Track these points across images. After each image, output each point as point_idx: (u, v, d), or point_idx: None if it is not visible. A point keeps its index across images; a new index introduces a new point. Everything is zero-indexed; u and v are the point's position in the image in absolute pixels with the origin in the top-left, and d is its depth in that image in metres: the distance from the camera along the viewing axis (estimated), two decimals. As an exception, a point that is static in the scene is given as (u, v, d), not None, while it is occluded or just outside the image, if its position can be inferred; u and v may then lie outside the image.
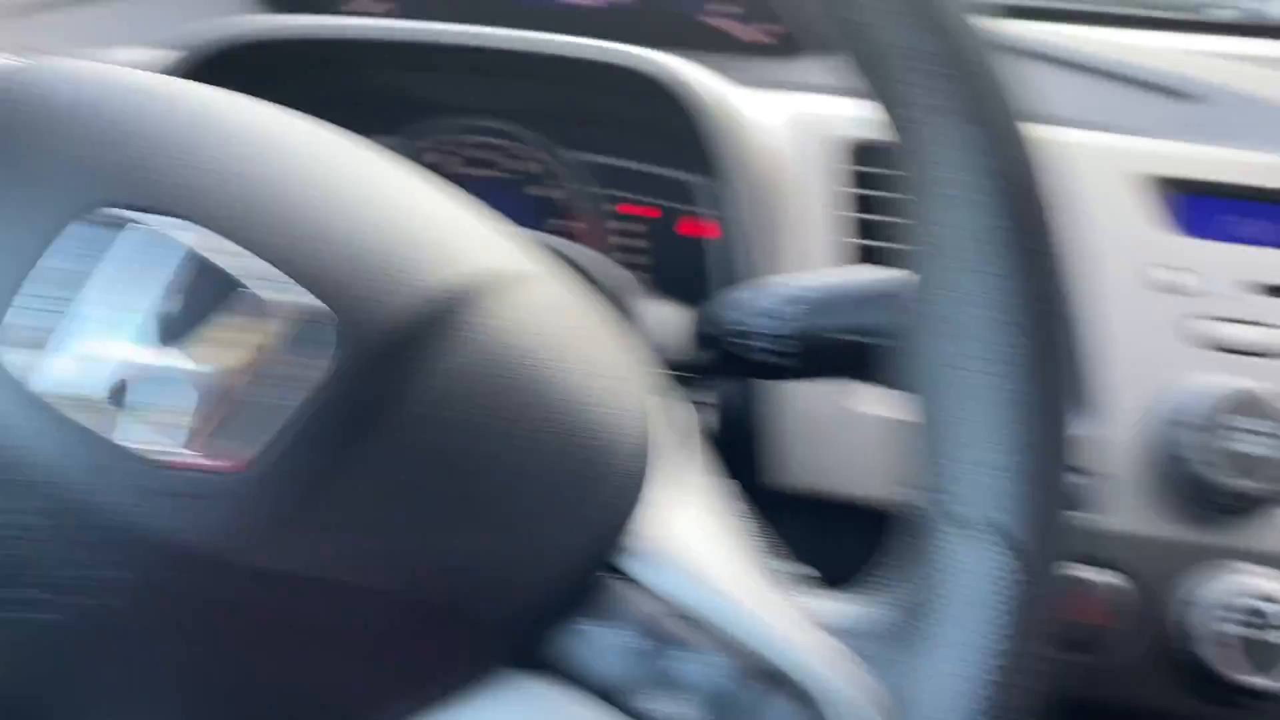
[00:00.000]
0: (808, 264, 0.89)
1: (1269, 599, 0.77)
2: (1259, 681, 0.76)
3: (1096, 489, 0.82)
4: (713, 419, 0.84)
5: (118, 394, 0.36)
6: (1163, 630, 0.79)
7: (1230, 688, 0.76)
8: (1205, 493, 0.79)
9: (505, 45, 0.99)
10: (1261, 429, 0.78)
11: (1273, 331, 0.86)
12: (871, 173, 0.96)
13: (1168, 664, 0.79)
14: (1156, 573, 0.80)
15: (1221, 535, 0.80)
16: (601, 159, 1.08)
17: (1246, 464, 0.77)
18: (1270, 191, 0.96)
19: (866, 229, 0.94)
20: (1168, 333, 0.87)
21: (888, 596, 0.43)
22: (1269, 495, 0.77)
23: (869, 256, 0.93)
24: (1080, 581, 0.79)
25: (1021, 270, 0.40)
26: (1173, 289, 0.89)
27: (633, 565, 0.42)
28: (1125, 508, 0.81)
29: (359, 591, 0.37)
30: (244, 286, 0.37)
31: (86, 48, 1.16)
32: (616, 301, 0.68)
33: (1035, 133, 0.42)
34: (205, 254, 0.37)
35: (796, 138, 0.97)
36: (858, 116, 1.01)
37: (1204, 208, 0.97)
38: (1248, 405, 0.78)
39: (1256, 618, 0.77)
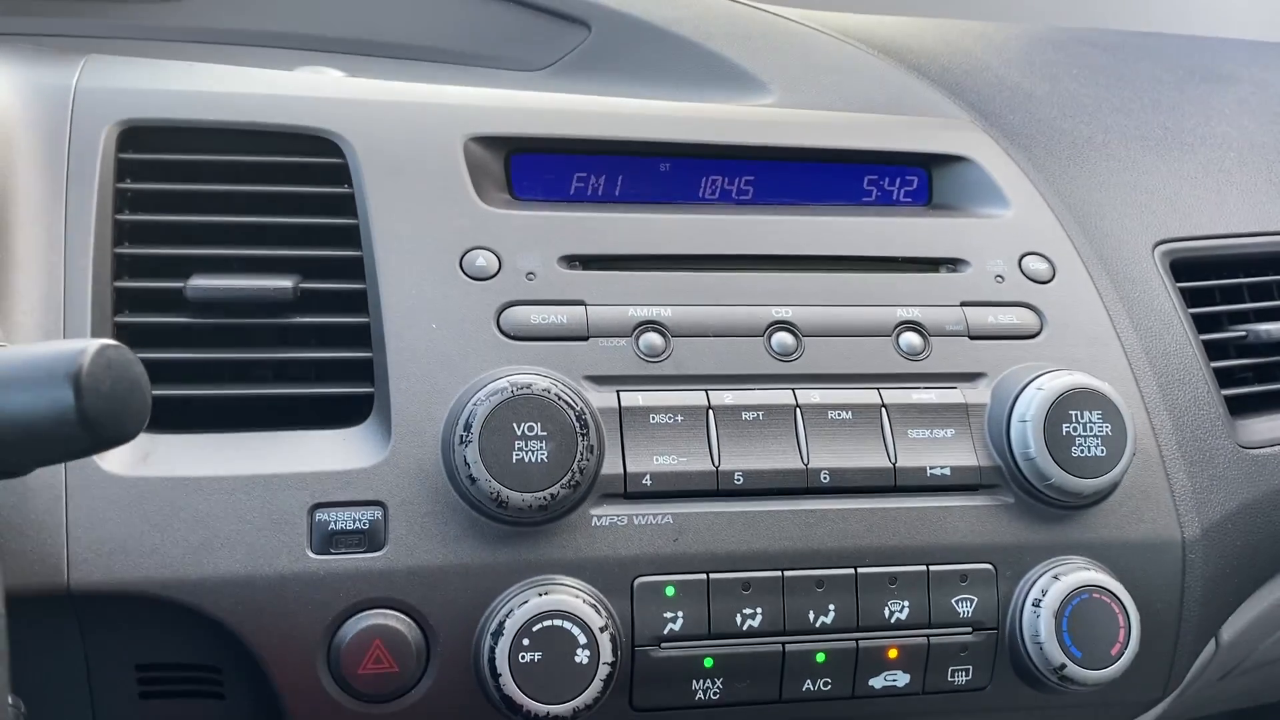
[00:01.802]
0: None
1: (577, 618, 0.71)
2: (562, 709, 0.70)
3: (382, 523, 0.72)
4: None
5: None
6: (463, 663, 0.72)
7: (539, 718, 0.70)
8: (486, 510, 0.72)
9: None
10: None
11: (574, 311, 0.79)
12: (152, 161, 0.81)
13: (477, 697, 0.72)
14: (451, 607, 0.72)
15: (539, 551, 0.73)
16: None
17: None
18: (593, 142, 0.89)
19: (145, 235, 0.79)
20: (479, 324, 0.78)
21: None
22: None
23: (150, 269, 0.79)
24: (365, 629, 0.70)
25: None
26: (486, 274, 0.80)
27: None
28: (413, 539, 0.72)
29: None
30: None
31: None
32: None
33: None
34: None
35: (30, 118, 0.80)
36: (134, 87, 0.85)
37: (532, 166, 0.89)
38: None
39: (564, 640, 0.71)
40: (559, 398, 0.72)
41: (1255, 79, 1.25)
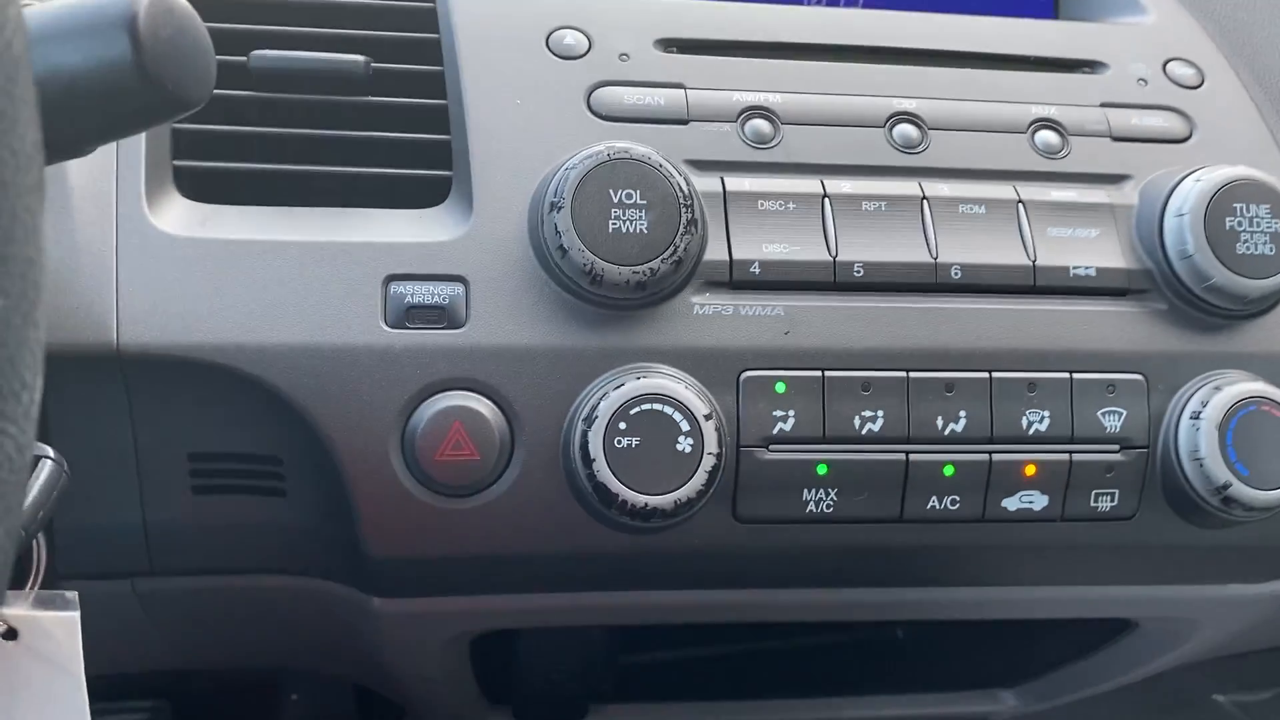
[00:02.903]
0: None
1: (679, 403, 0.63)
2: (662, 500, 0.62)
3: (463, 299, 0.65)
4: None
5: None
6: (550, 454, 0.64)
7: (636, 510, 0.62)
8: (576, 289, 0.64)
9: None
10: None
11: (672, 94, 0.71)
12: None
13: (565, 493, 0.65)
14: (538, 392, 0.64)
15: (635, 337, 0.66)
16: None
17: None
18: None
19: (210, 11, 0.73)
20: (568, 103, 0.71)
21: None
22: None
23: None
24: (443, 410, 0.63)
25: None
26: (574, 53, 0.72)
27: None
28: (497, 319, 0.65)
29: None
30: None
31: None
32: None
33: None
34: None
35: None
36: None
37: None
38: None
39: (665, 426, 0.63)
40: (660, 166, 0.64)
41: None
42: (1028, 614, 0.79)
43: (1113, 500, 0.69)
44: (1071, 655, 0.92)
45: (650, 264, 0.63)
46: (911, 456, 0.67)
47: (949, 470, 0.67)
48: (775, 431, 0.66)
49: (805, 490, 0.66)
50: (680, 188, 0.64)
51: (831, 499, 0.67)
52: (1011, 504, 0.68)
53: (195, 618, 0.76)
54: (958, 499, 0.68)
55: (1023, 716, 1.01)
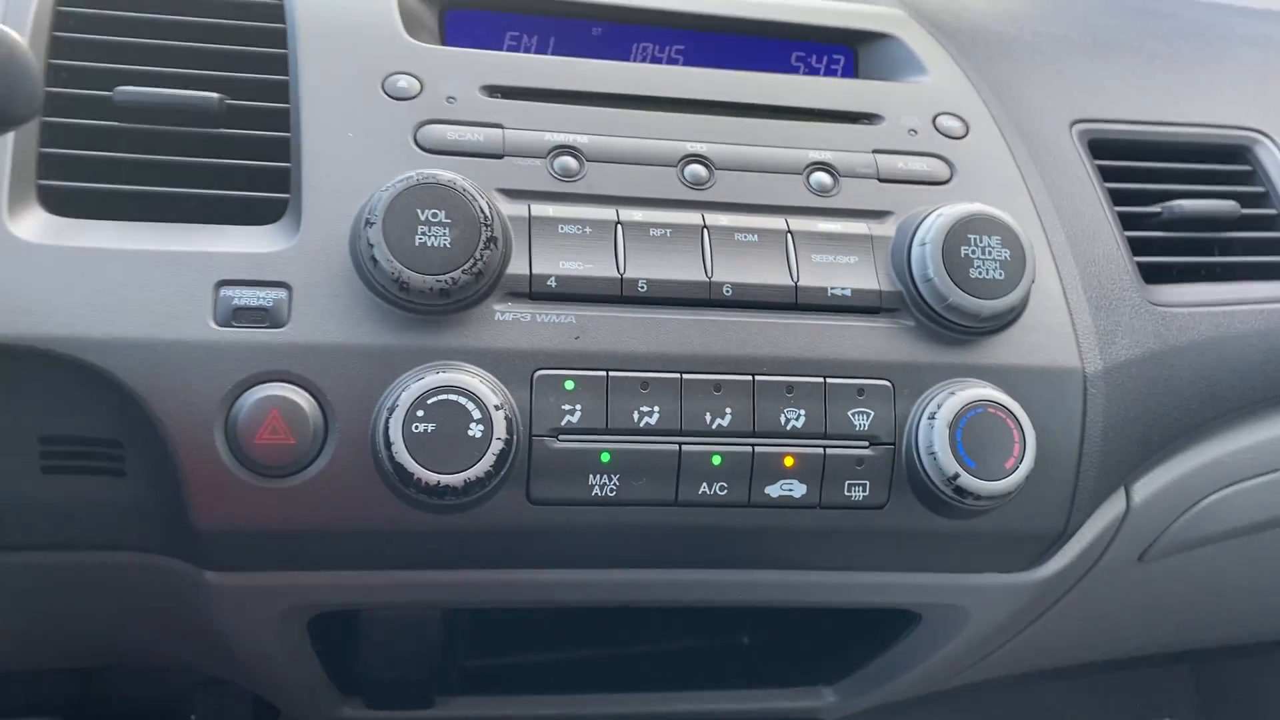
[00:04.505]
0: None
1: (472, 394, 0.72)
2: (453, 479, 0.71)
3: (286, 302, 0.74)
4: None
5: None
6: (361, 441, 0.73)
7: (429, 487, 0.71)
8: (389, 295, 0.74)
9: None
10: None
11: (491, 132, 0.82)
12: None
13: (373, 474, 0.73)
14: (350, 386, 0.73)
15: (441, 338, 0.75)
16: None
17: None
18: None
19: (81, 52, 0.82)
20: (395, 137, 0.81)
21: None
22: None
23: (83, 82, 0.81)
24: (262, 399, 0.72)
25: None
26: (406, 95, 0.83)
27: None
28: (315, 320, 0.74)
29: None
30: None
31: None
32: None
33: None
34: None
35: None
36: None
37: (465, 22, 0.92)
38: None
39: (458, 414, 0.72)
40: (464, 190, 0.74)
41: (1192, 17, 1.29)
42: (809, 598, 0.88)
43: (864, 490, 0.79)
44: (874, 652, 1.01)
45: (452, 274, 0.73)
46: (684, 447, 0.76)
47: (717, 460, 0.77)
48: (564, 423, 0.75)
49: (591, 475, 0.76)
50: (482, 209, 0.74)
51: (614, 484, 0.76)
52: (774, 491, 0.78)
53: (41, 596, 0.83)
54: (726, 485, 0.77)
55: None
